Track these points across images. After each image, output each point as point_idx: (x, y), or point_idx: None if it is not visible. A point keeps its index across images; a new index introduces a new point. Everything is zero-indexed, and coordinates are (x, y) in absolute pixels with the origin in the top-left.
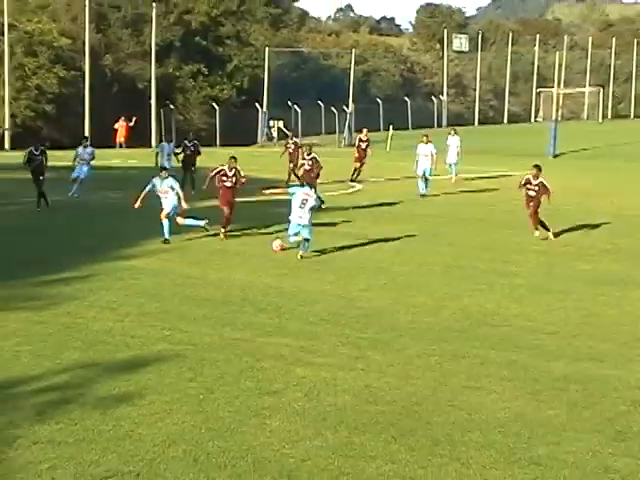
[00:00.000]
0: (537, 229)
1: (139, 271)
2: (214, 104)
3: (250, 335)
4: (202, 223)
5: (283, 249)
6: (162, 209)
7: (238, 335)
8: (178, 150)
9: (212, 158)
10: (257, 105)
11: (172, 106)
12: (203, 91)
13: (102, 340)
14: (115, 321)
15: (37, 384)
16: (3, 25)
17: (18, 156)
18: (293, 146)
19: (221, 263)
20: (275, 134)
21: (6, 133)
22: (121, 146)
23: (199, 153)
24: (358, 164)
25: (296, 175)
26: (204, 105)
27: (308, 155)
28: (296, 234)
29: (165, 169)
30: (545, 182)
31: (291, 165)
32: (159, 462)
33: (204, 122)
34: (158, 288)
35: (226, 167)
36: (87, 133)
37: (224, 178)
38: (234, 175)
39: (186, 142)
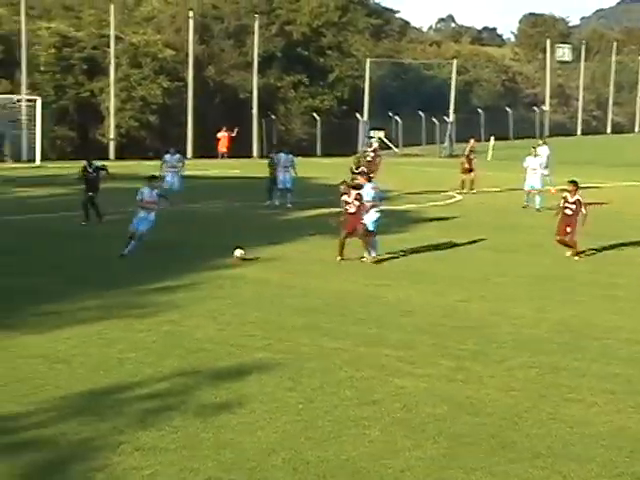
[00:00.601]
0: (565, 244)
1: (240, 280)
2: (315, 114)
3: (350, 345)
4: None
5: (379, 261)
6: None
7: (338, 345)
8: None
9: (313, 168)
10: (357, 115)
11: (273, 116)
12: (304, 101)
13: (203, 348)
14: (216, 329)
15: (140, 391)
16: (109, 37)
17: (123, 166)
18: (372, 154)
19: (322, 273)
20: (376, 144)
21: (111, 143)
22: (223, 156)
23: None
24: (465, 175)
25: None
26: (305, 115)
27: (357, 168)
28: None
29: (155, 178)
30: (582, 200)
31: (371, 175)
32: (259, 470)
33: (305, 132)
34: (259, 297)
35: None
36: (190, 143)
37: (346, 203)
38: (356, 199)
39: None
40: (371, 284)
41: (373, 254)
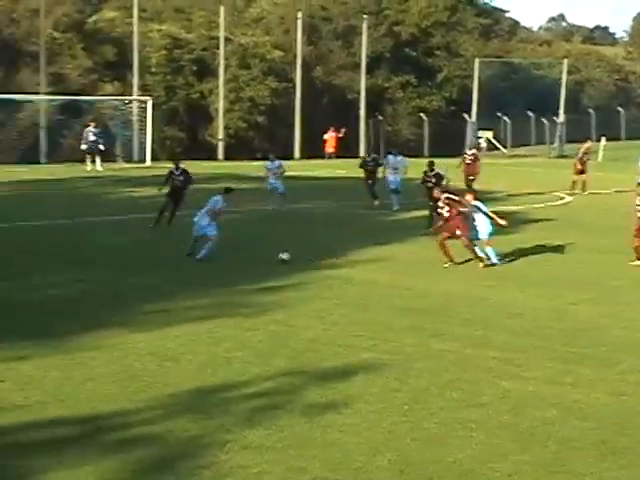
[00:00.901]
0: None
1: (347, 281)
2: (422, 115)
3: (456, 346)
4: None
5: (488, 266)
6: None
7: (444, 346)
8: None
9: (420, 169)
10: (465, 116)
11: (381, 117)
12: (412, 102)
13: (310, 348)
14: (323, 330)
15: (247, 390)
16: (219, 39)
17: (231, 166)
18: (473, 157)
19: (428, 273)
20: (484, 145)
21: (220, 144)
22: (330, 157)
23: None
24: (577, 177)
25: (468, 186)
26: (412, 116)
27: (431, 171)
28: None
29: (231, 190)
30: None
31: (471, 178)
32: (365, 471)
33: (412, 133)
34: (366, 298)
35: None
36: (297, 144)
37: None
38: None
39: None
40: (477, 285)
41: (494, 260)
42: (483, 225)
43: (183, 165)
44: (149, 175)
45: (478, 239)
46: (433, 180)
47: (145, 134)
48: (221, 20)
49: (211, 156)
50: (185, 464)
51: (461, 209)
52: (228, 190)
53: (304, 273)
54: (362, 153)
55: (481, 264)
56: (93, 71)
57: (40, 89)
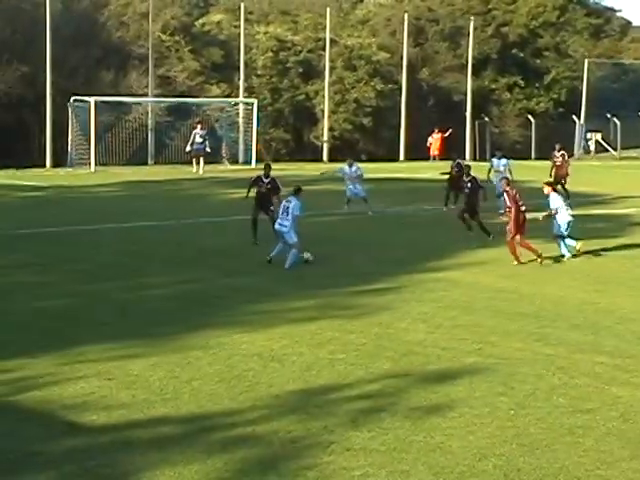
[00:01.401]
0: None
1: (450, 283)
2: (530, 117)
3: (563, 351)
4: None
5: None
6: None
7: (551, 351)
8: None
9: (527, 172)
10: (574, 117)
11: (487, 119)
12: (519, 104)
13: (413, 351)
14: (427, 332)
15: (350, 392)
16: (325, 40)
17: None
18: (561, 159)
19: (533, 277)
20: (592, 147)
21: (325, 145)
22: (435, 159)
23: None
24: None
25: (563, 187)
26: (519, 118)
27: (467, 177)
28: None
29: (300, 190)
30: None
31: (562, 180)
32: (469, 476)
33: (519, 135)
34: (470, 301)
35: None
36: (402, 146)
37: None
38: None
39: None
40: (585, 290)
41: (566, 254)
42: (561, 219)
43: (272, 174)
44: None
45: (562, 234)
46: (469, 185)
47: (251, 136)
48: (327, 22)
49: (316, 158)
50: (288, 465)
51: (513, 206)
52: (298, 190)
53: (408, 275)
54: (468, 156)
55: (515, 262)
56: (200, 73)
57: (148, 91)
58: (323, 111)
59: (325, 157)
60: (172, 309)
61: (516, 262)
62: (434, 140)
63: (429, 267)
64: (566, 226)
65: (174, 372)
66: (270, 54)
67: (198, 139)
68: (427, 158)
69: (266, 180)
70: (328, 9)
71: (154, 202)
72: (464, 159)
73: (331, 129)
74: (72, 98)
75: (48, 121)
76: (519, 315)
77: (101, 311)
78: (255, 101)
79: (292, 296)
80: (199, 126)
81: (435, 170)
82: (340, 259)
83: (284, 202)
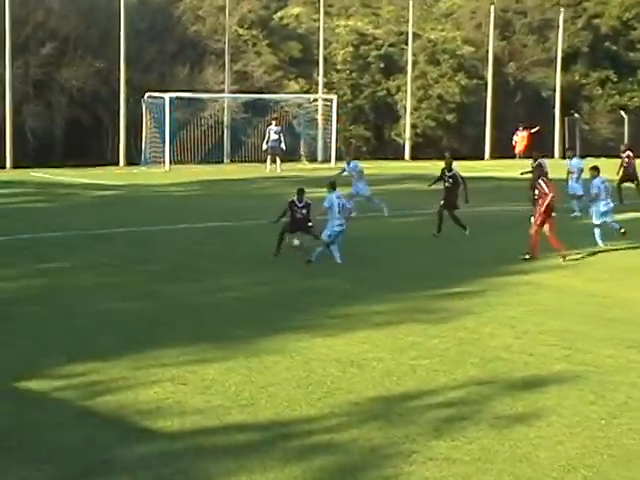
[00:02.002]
0: None
1: (538, 286)
2: (622, 113)
3: None
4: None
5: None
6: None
7: None
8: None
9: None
10: None
11: (577, 115)
12: (611, 99)
13: (499, 357)
14: (513, 338)
15: (432, 399)
16: (407, 34)
17: (417, 167)
18: (627, 159)
19: (625, 281)
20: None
21: (406, 143)
22: (520, 157)
23: None
24: None
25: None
26: (611, 114)
27: (448, 172)
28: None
29: (334, 183)
30: None
31: (633, 181)
32: None
33: (611, 132)
34: (559, 305)
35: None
36: (488, 143)
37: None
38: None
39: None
40: None
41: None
42: (598, 207)
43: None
44: (331, 176)
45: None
46: (450, 181)
47: (330, 133)
48: (410, 15)
49: (397, 156)
50: (368, 474)
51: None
52: (333, 184)
53: (493, 278)
54: (556, 154)
55: (526, 256)
56: (278, 68)
57: (224, 87)
58: (405, 107)
59: (407, 155)
60: (248, 311)
61: (528, 255)
62: (519, 138)
63: (514, 269)
64: (599, 216)
65: (250, 377)
66: (350, 48)
67: (273, 136)
68: (513, 156)
69: (300, 204)
70: (411, 2)
71: (230, 201)
72: (549, 157)
73: (413, 126)
74: (146, 94)
75: (122, 118)
76: (611, 320)
77: (176, 314)
78: (334, 97)
79: (372, 299)
80: (274, 122)
81: (521, 168)
82: (420, 260)
83: (336, 200)
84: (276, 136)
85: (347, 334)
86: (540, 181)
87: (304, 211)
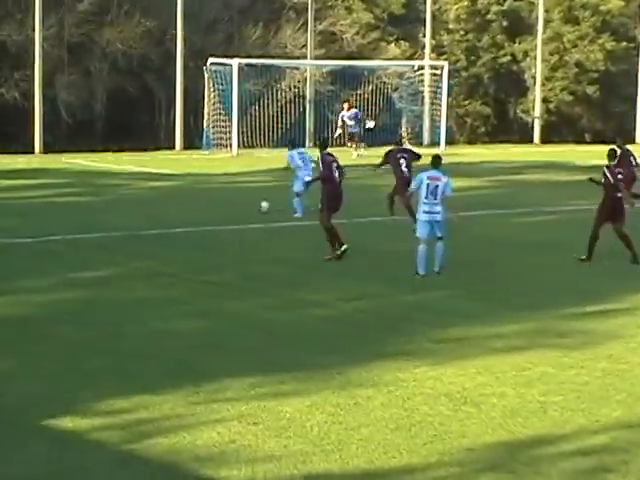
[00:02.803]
0: None
1: None
2: None
3: None
4: None
5: None
6: None
7: None
8: None
9: None
10: None
11: None
12: None
13: None
14: None
15: (567, 445)
16: None
17: (549, 152)
18: None
19: None
20: None
21: (536, 122)
22: None
23: None
24: None
25: None
26: None
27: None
28: None
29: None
30: None
31: None
32: None
33: None
34: None
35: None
36: (639, 123)
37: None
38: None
39: None
40: None
41: None
42: None
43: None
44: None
45: None
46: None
47: (439, 110)
48: None
49: (524, 138)
50: None
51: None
52: (438, 159)
53: None
54: None
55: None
56: (374, 28)
57: (307, 52)
58: (534, 78)
59: (536, 138)
60: (337, 334)
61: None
62: None
63: None
64: None
65: (337, 416)
66: (465, 3)
67: (349, 122)
68: None
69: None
70: None
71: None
72: None
73: (544, 101)
74: (209, 60)
75: (178, 90)
76: None
77: (245, 335)
78: (445, 64)
79: (491, 318)
80: (346, 105)
81: None
82: (549, 270)
83: (426, 180)
84: (352, 122)
85: (460, 362)
86: (606, 169)
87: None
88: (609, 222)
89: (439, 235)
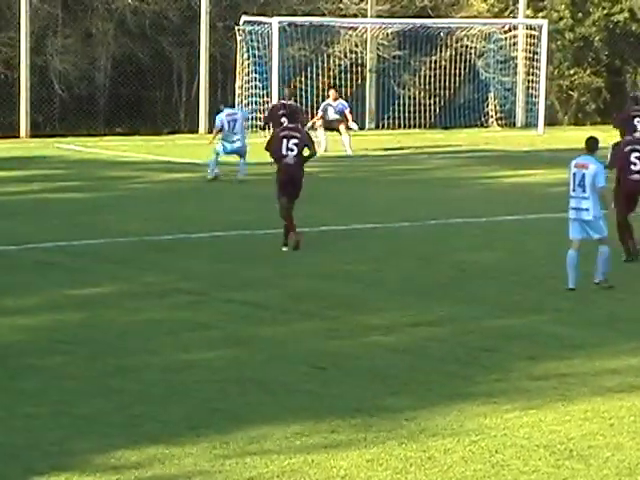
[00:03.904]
0: None
1: None
2: None
3: None
4: None
5: None
6: None
7: None
8: None
9: None
10: None
11: None
12: None
13: None
14: None
15: None
16: None
17: None
18: None
19: None
20: None
21: None
22: None
23: None
24: None
25: None
26: None
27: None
28: None
29: None
30: None
31: None
32: None
33: None
34: None
35: None
36: None
37: None
38: None
39: None
40: None
41: None
42: None
43: None
44: (542, 150)
45: None
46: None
47: (537, 82)
48: None
49: None
50: None
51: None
52: (594, 143)
53: None
54: None
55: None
56: None
57: (367, 8)
58: None
59: None
60: (406, 367)
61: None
62: None
63: None
64: None
65: (406, 473)
66: None
67: (332, 115)
68: None
69: None
70: None
71: (379, 191)
72: None
73: None
74: (242, 19)
75: (202, 57)
76: None
77: (287, 370)
78: (544, 22)
79: (603, 349)
80: (332, 93)
81: None
82: None
83: (573, 168)
84: (337, 116)
85: (562, 406)
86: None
87: None
88: None
89: (596, 237)
